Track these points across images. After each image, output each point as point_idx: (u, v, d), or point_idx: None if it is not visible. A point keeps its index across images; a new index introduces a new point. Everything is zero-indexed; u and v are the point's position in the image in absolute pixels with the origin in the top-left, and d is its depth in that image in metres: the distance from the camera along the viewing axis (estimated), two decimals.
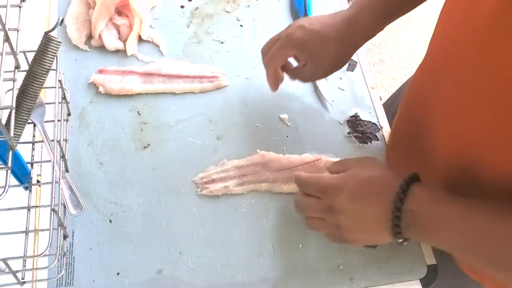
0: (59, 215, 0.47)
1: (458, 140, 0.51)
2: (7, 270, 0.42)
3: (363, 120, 0.69)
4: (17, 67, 0.36)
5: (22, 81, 0.41)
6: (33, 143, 0.53)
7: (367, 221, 0.50)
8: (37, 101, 0.42)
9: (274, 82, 0.63)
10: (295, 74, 0.63)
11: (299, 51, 0.59)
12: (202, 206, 0.60)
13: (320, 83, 0.70)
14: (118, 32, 0.71)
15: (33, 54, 0.41)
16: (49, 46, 0.41)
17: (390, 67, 1.89)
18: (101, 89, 0.66)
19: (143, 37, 0.71)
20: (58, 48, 0.41)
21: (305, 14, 0.76)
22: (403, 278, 0.59)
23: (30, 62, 0.42)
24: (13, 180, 0.45)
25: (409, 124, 0.62)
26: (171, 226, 0.58)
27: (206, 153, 0.63)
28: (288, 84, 0.69)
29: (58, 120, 0.51)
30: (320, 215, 0.53)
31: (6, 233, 0.47)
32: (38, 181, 0.57)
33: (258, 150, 0.64)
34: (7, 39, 0.34)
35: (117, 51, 0.70)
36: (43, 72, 0.41)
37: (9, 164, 0.36)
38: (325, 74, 0.62)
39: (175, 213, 0.59)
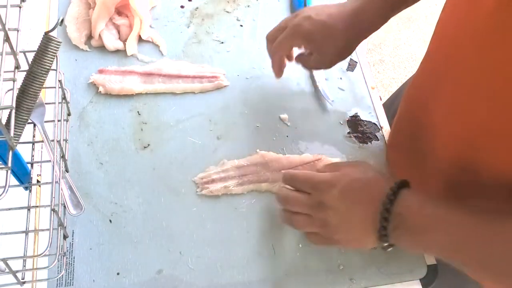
0: (59, 215, 0.47)
1: (458, 140, 0.51)
2: (7, 270, 0.42)
3: (363, 120, 0.69)
4: (17, 67, 0.36)
5: (22, 81, 0.41)
6: (33, 143, 0.53)
7: (354, 221, 0.50)
8: (37, 101, 0.42)
9: (279, 69, 0.64)
10: (300, 60, 0.65)
11: (306, 42, 0.60)
12: (202, 206, 0.60)
13: (320, 83, 0.70)
14: (118, 32, 0.71)
15: (33, 54, 0.41)
16: (49, 46, 0.41)
17: (390, 67, 1.89)
18: (101, 89, 0.66)
19: (143, 37, 0.71)
20: (58, 48, 0.41)
21: None
22: (403, 278, 0.59)
23: (30, 62, 0.42)
24: (13, 180, 0.45)
25: (409, 124, 0.62)
26: (171, 226, 0.58)
27: (206, 153, 0.63)
28: (288, 84, 0.69)
29: (58, 120, 0.51)
30: (308, 211, 0.53)
31: (6, 233, 0.47)
32: (38, 181, 0.57)
33: (258, 150, 0.64)
34: (7, 39, 0.34)
35: (117, 51, 0.70)
36: (43, 72, 0.41)
37: (9, 164, 0.36)
38: (331, 64, 0.63)
39: (175, 213, 0.59)
